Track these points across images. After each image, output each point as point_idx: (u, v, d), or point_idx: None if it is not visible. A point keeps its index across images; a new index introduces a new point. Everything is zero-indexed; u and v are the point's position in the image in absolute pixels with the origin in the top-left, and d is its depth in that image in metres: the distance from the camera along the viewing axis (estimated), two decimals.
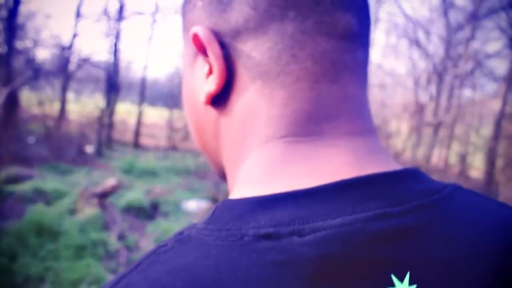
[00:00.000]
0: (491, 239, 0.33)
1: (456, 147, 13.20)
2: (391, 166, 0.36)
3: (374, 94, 16.21)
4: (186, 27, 0.44)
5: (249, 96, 0.38)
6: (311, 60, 0.36)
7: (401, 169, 0.35)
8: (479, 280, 0.32)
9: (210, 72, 0.40)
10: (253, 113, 0.38)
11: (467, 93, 14.17)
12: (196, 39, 0.39)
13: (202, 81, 0.41)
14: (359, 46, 0.39)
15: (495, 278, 0.32)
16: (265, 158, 0.36)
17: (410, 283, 0.29)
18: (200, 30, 0.39)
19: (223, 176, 0.47)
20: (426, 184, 0.34)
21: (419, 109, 7.60)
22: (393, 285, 0.29)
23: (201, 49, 0.40)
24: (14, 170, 6.90)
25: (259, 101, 0.37)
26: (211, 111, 0.41)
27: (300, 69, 0.36)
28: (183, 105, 0.48)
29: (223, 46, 0.39)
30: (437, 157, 11.83)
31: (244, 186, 0.36)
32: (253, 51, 0.37)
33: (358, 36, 0.38)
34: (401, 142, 13.09)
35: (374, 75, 15.44)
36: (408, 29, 8.73)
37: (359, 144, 0.36)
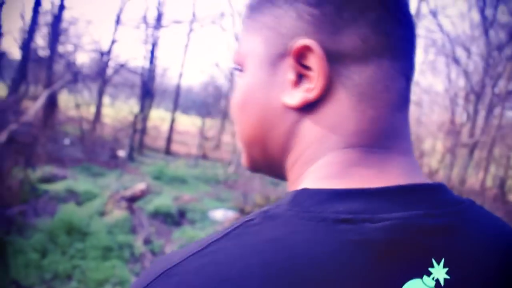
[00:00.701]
0: (500, 243, 0.46)
1: (494, 170, 12.85)
2: (426, 179, 0.47)
3: (410, 111, 15.98)
4: (265, 28, 0.49)
5: (342, 108, 0.46)
6: (396, 93, 0.47)
7: (434, 182, 0.46)
8: (492, 272, 0.43)
9: (297, 80, 0.46)
10: (342, 123, 0.46)
11: (509, 113, 13.83)
12: (301, 50, 0.45)
13: (284, 85, 0.47)
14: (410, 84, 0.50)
15: (501, 274, 0.44)
16: (343, 160, 0.45)
17: (444, 267, 0.40)
18: (315, 45, 0.45)
19: (258, 169, 0.56)
20: (451, 195, 0.45)
21: (455, 128, 7.48)
22: (433, 266, 0.39)
23: (298, 59, 0.46)
24: (49, 169, 7.19)
25: (351, 115, 0.46)
26: (292, 113, 0.47)
27: (388, 97, 0.46)
28: (238, 99, 0.52)
29: (330, 61, 0.45)
30: (473, 178, 11.56)
31: (320, 179, 0.45)
32: (354, 74, 0.45)
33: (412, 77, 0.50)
34: (435, 162, 12.84)
35: (411, 92, 15.23)
36: (447, 46, 8.63)
37: (409, 160, 0.47)
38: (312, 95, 0.45)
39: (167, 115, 18.04)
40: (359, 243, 0.38)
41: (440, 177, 10.52)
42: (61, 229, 4.97)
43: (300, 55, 0.45)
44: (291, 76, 0.46)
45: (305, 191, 0.43)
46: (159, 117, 17.46)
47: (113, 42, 17.52)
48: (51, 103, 6.82)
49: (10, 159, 5.27)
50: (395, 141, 0.46)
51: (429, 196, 0.43)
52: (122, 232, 5.32)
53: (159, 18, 15.18)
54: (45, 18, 12.60)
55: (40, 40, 12.53)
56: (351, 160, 0.45)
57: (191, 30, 16.38)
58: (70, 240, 4.89)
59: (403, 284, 0.38)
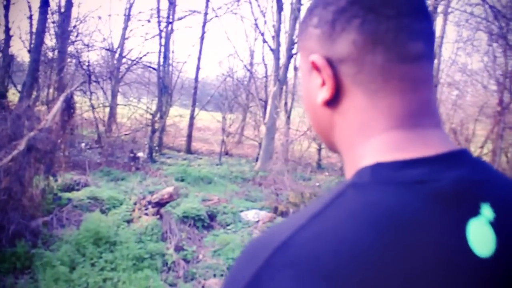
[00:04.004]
0: None
1: None
2: (457, 146, 0.60)
3: (443, 93, 15.64)
4: (302, 48, 0.66)
5: (358, 102, 0.59)
6: (396, 80, 0.58)
7: (461, 148, 0.58)
8: None
9: (323, 83, 0.61)
10: (364, 114, 0.59)
11: None
12: (314, 63, 0.61)
13: (317, 88, 0.62)
14: (427, 63, 0.60)
15: None
16: (392, 139, 0.58)
17: (490, 208, 0.53)
18: (317, 58, 0.61)
19: (334, 149, 0.71)
20: (475, 157, 0.58)
21: (501, 109, 7.22)
22: (481, 208, 0.53)
23: (317, 69, 0.61)
24: (69, 176, 7.20)
25: (369, 106, 0.59)
26: (326, 110, 0.63)
27: (391, 86, 0.58)
28: (303, 101, 0.70)
29: (333, 67, 0.60)
30: None
31: (382, 154, 0.57)
32: (357, 74, 0.58)
33: (426, 55, 0.59)
34: (474, 147, 12.52)
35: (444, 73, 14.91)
36: (488, 19, 8.29)
37: (440, 131, 0.59)
38: (327, 94, 0.61)
39: (184, 112, 18.03)
40: (434, 196, 0.52)
41: None
42: (88, 239, 4.95)
43: (316, 67, 0.62)
44: (319, 81, 0.62)
45: (379, 164, 0.56)
46: (177, 114, 17.44)
47: (124, 38, 17.57)
48: (68, 107, 6.82)
49: (31, 168, 5.26)
50: (419, 119, 0.58)
51: (465, 158, 0.57)
52: (152, 240, 5.29)
53: (171, 9, 15.14)
54: (53, 18, 12.66)
55: (49, 41, 12.59)
56: (397, 139, 0.57)
57: (206, 20, 16.30)
58: (99, 251, 4.87)
59: (467, 222, 0.52)
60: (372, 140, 0.59)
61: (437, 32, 13.59)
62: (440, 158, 0.55)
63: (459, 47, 14.26)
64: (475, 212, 0.52)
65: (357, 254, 0.48)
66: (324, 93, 0.61)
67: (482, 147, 12.37)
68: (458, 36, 13.97)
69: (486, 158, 11.46)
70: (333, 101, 0.61)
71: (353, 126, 0.61)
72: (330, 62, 0.60)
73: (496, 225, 0.53)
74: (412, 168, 0.54)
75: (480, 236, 0.51)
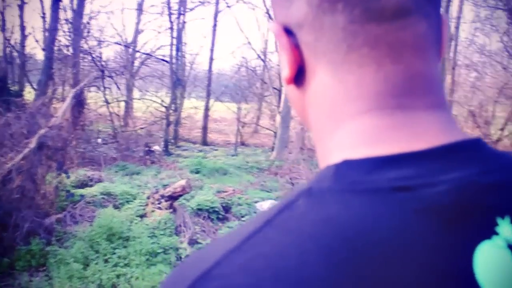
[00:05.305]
0: None
1: None
2: (464, 134, 0.43)
3: (461, 75, 15.28)
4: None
5: (323, 78, 0.45)
6: (367, 47, 0.42)
7: (473, 137, 0.43)
8: None
9: None
10: (331, 93, 0.45)
11: None
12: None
13: (285, 65, 0.49)
14: (418, 20, 0.43)
15: None
16: (365, 127, 0.43)
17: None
18: (272, 26, 0.48)
19: None
20: (492, 149, 0.42)
21: None
22: (497, 225, 0.37)
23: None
24: (83, 172, 7.19)
25: (334, 84, 0.44)
26: (296, 91, 0.50)
27: (359, 56, 0.43)
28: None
29: (293, 35, 0.46)
30: None
31: (353, 148, 0.42)
32: (317, 42, 0.44)
33: (415, 10, 0.43)
34: (495, 130, 12.24)
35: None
36: None
37: (440, 115, 0.43)
38: (287, 70, 0.47)
39: (199, 104, 17.99)
40: (423, 212, 0.37)
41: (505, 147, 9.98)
42: (101, 235, 4.92)
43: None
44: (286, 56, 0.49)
45: (347, 162, 0.41)
46: (192, 106, 17.40)
47: (137, 32, 17.54)
48: (79, 103, 6.79)
49: (43, 166, 5.24)
50: (405, 98, 0.43)
51: (475, 152, 0.41)
52: (165, 234, 5.22)
53: (183, 1, 15.03)
54: (65, 15, 12.68)
55: (63, 38, 12.62)
56: (373, 126, 0.43)
57: (217, 11, 16.17)
58: (112, 246, 4.83)
59: (474, 248, 0.37)
60: (341, 128, 0.45)
61: (454, 13, 13.24)
62: (436, 153, 0.40)
63: (476, 27, 13.88)
64: (488, 232, 0.38)
65: None
66: (286, 70, 0.48)
67: (502, 129, 12.12)
68: (476, 16, 13.57)
69: (507, 141, 11.20)
70: (299, 80, 0.48)
71: (322, 111, 0.47)
72: (289, 30, 0.47)
73: None
74: (392, 169, 0.39)
75: (495, 266, 0.36)
